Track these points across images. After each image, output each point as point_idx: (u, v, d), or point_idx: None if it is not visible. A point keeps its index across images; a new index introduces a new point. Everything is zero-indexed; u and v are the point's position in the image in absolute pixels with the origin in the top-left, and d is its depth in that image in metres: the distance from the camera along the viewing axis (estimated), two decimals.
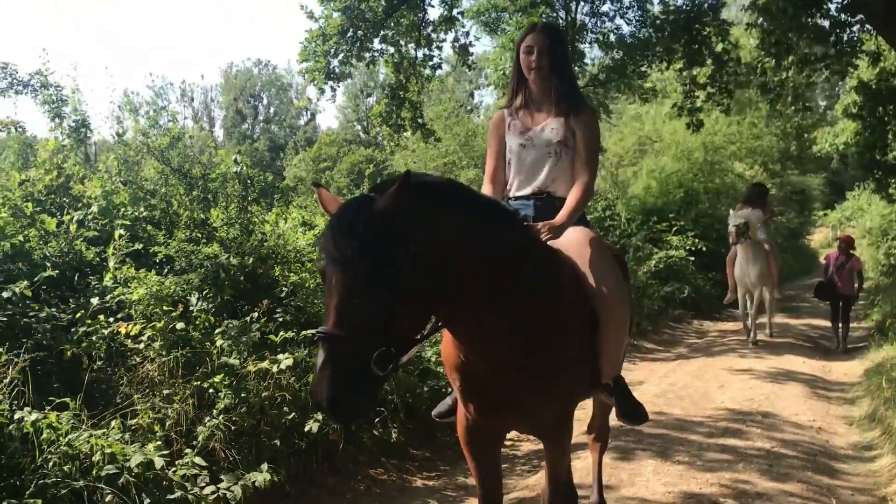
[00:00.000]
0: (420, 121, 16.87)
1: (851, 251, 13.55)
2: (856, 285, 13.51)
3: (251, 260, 6.73)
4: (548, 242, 3.49)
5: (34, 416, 4.03)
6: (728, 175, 23.31)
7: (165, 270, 6.63)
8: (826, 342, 13.83)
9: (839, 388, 10.10)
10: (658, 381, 10.03)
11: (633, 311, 4.13)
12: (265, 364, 5.63)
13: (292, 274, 7.44)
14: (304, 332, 6.13)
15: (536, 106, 3.93)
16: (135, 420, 4.92)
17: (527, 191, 3.96)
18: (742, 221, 11.87)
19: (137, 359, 5.53)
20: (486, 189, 4.01)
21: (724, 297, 13.41)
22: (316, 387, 2.54)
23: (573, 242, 3.67)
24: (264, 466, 5.00)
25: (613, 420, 4.72)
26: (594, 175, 3.90)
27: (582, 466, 5.82)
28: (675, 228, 17.82)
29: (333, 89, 15.90)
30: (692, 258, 17.21)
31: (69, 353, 5.26)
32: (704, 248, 17.61)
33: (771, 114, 23.02)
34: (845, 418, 8.59)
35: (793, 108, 16.72)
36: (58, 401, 4.44)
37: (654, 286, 15.39)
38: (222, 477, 4.88)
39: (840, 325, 13.24)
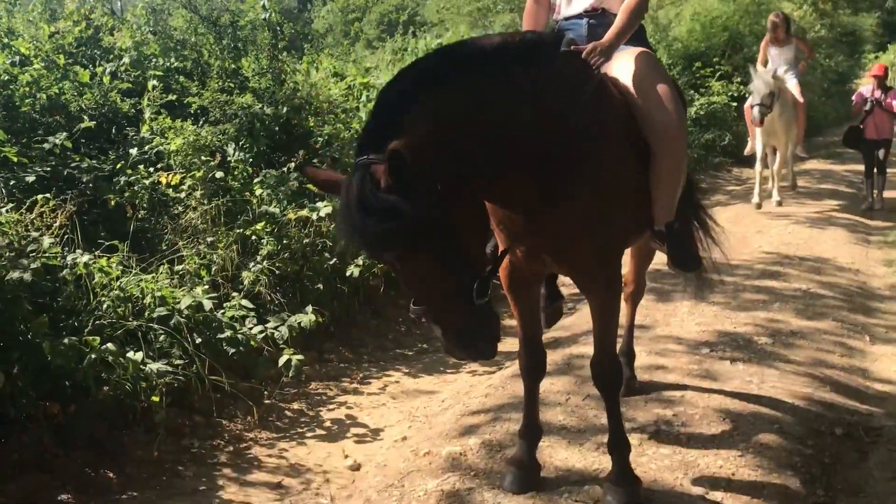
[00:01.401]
0: None
1: (889, 86, 11.14)
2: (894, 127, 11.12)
3: (285, 110, 6.68)
4: (599, 67, 3.20)
5: (86, 257, 4.16)
6: None
7: (201, 122, 6.64)
8: None
9: (879, 232, 10.00)
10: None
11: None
12: (305, 212, 5.70)
13: (326, 125, 7.40)
14: None
15: None
16: (181, 266, 5.07)
17: (577, 8, 3.68)
18: (767, 92, 9.99)
19: (180, 208, 5.63)
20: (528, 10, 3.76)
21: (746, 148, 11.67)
22: (450, 351, 2.68)
23: (627, 66, 3.42)
24: (309, 309, 5.17)
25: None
26: None
27: None
28: (718, 74, 17.21)
29: None
30: (734, 104, 16.72)
31: (113, 203, 5.38)
32: (748, 95, 17.05)
33: None
34: (884, 261, 8.56)
35: None
36: (107, 244, 4.55)
37: (694, 133, 15.07)
38: (269, 319, 5.07)
39: (876, 177, 11.18)
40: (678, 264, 3.63)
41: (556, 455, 3.84)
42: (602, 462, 3.84)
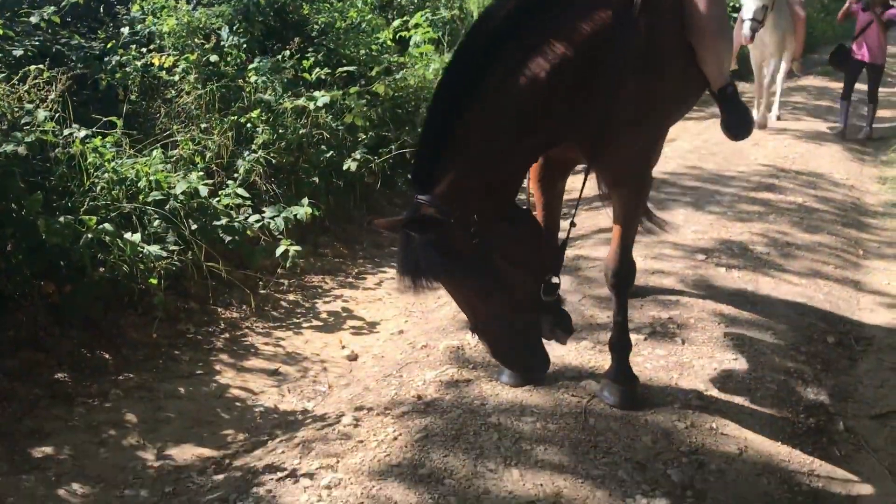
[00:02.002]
0: None
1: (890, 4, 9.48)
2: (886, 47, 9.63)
3: None
4: None
5: (83, 132, 4.03)
6: None
7: (193, 3, 6.37)
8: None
9: (874, 150, 9.96)
10: (691, 139, 9.90)
11: None
12: (301, 101, 5.55)
13: (321, 16, 7.14)
14: (339, 71, 5.99)
15: None
16: (175, 151, 4.94)
17: None
18: (761, 5, 8.92)
19: (173, 91, 5.46)
20: None
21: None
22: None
23: None
24: (305, 201, 5.08)
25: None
26: None
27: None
28: None
29: None
30: (734, 14, 16.31)
31: (104, 83, 5.19)
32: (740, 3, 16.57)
33: None
34: (879, 178, 8.54)
35: None
36: (104, 119, 4.41)
37: None
38: (264, 209, 4.99)
39: (868, 103, 9.87)
40: (731, 128, 3.60)
41: (552, 352, 3.84)
42: (598, 360, 3.87)
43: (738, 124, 3.60)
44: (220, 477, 3.10)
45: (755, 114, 9.88)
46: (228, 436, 3.47)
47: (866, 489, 3.12)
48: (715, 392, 3.63)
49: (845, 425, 3.57)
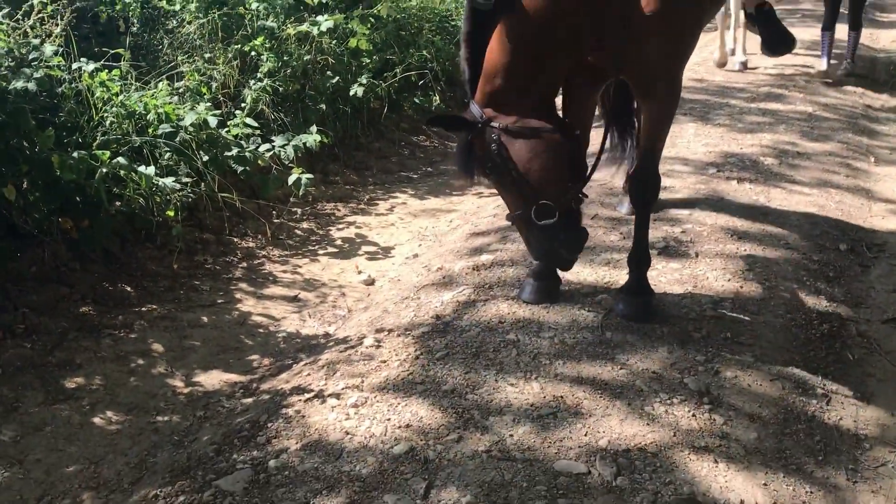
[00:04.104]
0: None
1: None
2: None
3: None
4: None
5: (91, 66, 4.01)
6: None
7: None
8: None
9: (885, 54, 9.80)
10: (697, 51, 9.70)
11: None
12: (304, 27, 5.47)
13: None
14: None
15: None
16: (181, 83, 4.91)
17: None
18: None
19: (174, 21, 5.39)
20: None
21: None
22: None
23: None
24: (313, 129, 5.06)
25: None
26: None
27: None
28: None
29: None
30: None
31: (104, 16, 5.13)
32: None
33: None
34: (889, 84, 8.44)
35: None
36: (111, 53, 4.37)
37: None
38: (273, 138, 4.98)
39: (849, 31, 8.36)
40: (771, 46, 3.57)
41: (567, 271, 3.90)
42: (612, 276, 3.92)
43: (779, 41, 3.55)
44: (249, 400, 3.19)
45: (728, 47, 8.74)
46: (254, 361, 3.55)
47: (879, 389, 3.20)
48: (728, 302, 3.68)
49: (858, 330, 3.62)
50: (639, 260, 3.56)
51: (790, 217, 4.71)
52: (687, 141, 6.14)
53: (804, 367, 3.27)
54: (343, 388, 3.05)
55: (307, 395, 3.04)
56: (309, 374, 3.24)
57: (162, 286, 4.07)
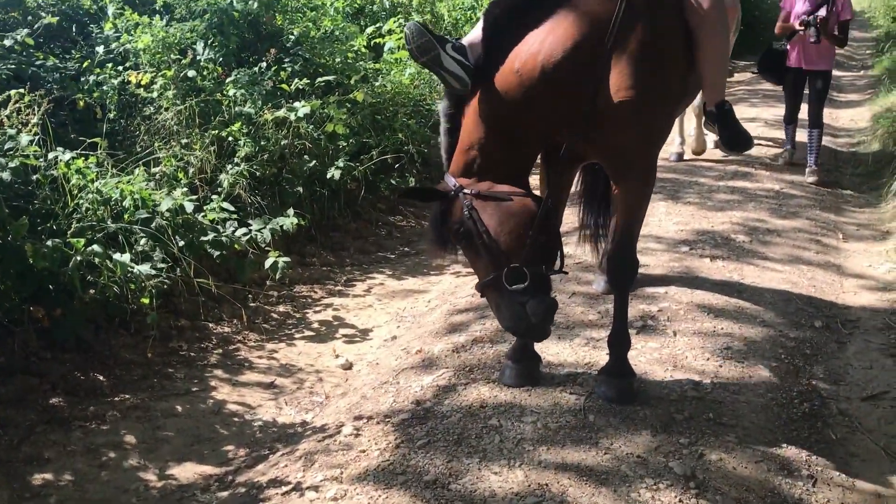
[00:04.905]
0: None
1: None
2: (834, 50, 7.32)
3: (255, 5, 6.40)
4: None
5: (68, 155, 4.00)
6: None
7: (165, 19, 6.34)
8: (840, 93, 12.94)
9: (846, 134, 10.09)
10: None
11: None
12: (282, 113, 5.54)
13: (296, 26, 7.12)
14: (317, 81, 5.99)
15: None
16: (158, 168, 4.92)
17: None
18: None
19: (151, 108, 5.43)
20: None
21: None
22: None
23: None
24: (290, 212, 5.07)
25: None
26: None
27: None
28: None
29: None
30: None
31: (82, 104, 5.16)
32: None
33: None
34: (853, 161, 8.67)
35: None
36: (86, 140, 4.38)
37: None
38: (250, 222, 4.97)
39: (808, 132, 7.45)
40: (730, 144, 3.64)
41: (547, 350, 3.89)
42: (592, 356, 3.91)
43: (737, 141, 3.64)
44: (225, 494, 3.10)
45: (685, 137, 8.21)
46: (229, 451, 3.46)
47: (864, 469, 3.18)
48: (709, 382, 3.68)
49: (838, 408, 3.63)
50: (618, 341, 3.55)
51: (764, 294, 4.75)
52: (658, 219, 6.22)
53: (788, 447, 3.25)
54: (321, 481, 2.98)
55: (285, 488, 2.96)
56: (286, 466, 3.16)
57: (135, 374, 3.98)
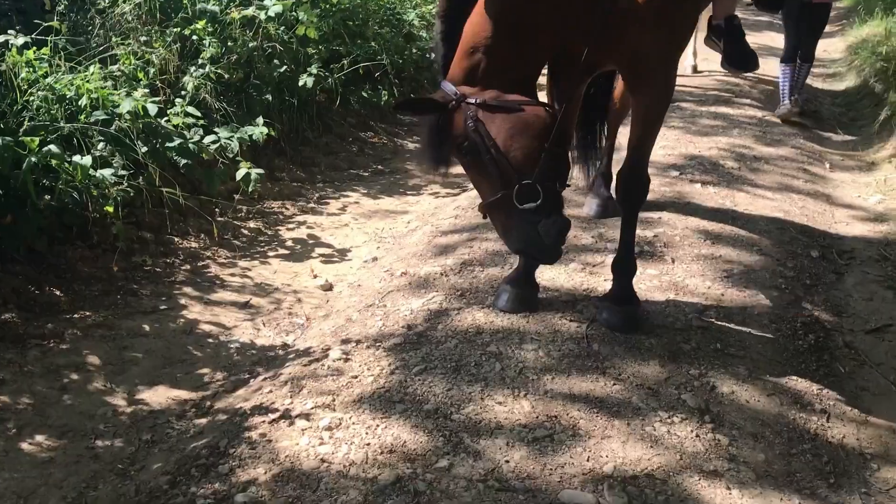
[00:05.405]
0: None
1: None
2: None
3: None
4: None
5: (21, 40, 3.55)
6: None
7: None
8: None
9: (820, 65, 9.93)
10: None
11: None
12: (250, 11, 5.09)
13: None
14: None
15: None
16: (116, 67, 4.47)
17: None
18: None
19: (106, 1, 4.92)
20: None
21: None
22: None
23: None
24: (260, 120, 4.69)
25: None
26: None
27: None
28: None
29: None
30: None
31: None
32: None
33: None
34: (829, 92, 8.54)
35: None
36: (44, 25, 3.90)
37: None
38: (216, 130, 4.57)
39: (800, 62, 6.89)
40: (736, 62, 3.38)
41: (541, 276, 3.65)
42: (590, 282, 3.70)
43: (742, 59, 3.39)
44: (204, 421, 2.84)
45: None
46: (205, 375, 3.18)
47: (875, 404, 3.06)
48: (713, 311, 3.51)
49: (844, 341, 3.50)
50: (624, 266, 3.35)
51: (759, 222, 4.59)
52: None
53: (797, 380, 3.11)
54: (312, 408, 2.73)
55: (272, 416, 2.70)
56: (271, 391, 2.90)
57: (96, 290, 3.65)
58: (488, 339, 3.15)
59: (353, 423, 2.61)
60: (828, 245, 4.48)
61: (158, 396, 3.02)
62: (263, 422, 2.68)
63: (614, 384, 2.90)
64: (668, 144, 5.99)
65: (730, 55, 3.37)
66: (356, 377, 2.91)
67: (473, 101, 2.73)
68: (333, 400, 2.76)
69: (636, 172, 3.24)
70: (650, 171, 5.27)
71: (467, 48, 2.79)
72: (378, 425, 2.60)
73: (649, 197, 4.78)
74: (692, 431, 2.69)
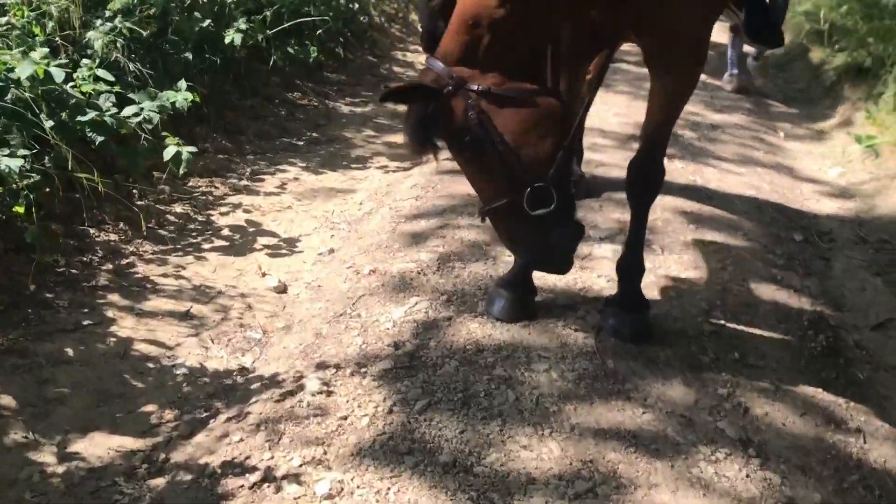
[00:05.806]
0: None
1: None
2: None
3: None
4: None
5: None
6: None
7: None
8: None
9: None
10: None
11: None
12: None
13: None
14: None
15: None
16: (5, 18, 3.69)
17: None
18: None
19: None
20: None
21: None
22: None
23: None
24: (182, 84, 3.99)
25: None
26: None
27: None
28: None
29: None
30: None
31: None
32: None
33: None
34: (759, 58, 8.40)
35: None
36: None
37: None
38: (131, 95, 3.87)
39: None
40: (757, 33, 2.99)
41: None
42: (582, 279, 3.33)
43: (770, 32, 3.01)
44: (161, 482, 2.28)
45: None
46: (151, 414, 2.60)
47: None
48: (718, 311, 3.21)
49: (854, 341, 3.26)
50: (633, 268, 2.97)
51: (734, 201, 4.34)
52: (596, 108, 5.61)
53: (822, 393, 2.85)
54: (301, 465, 2.23)
55: (251, 478, 2.19)
56: (242, 441, 2.38)
57: (0, 303, 2.97)
58: (491, 358, 2.72)
59: (359, 487, 2.14)
60: (806, 226, 4.27)
61: (96, 447, 2.43)
62: (242, 486, 2.17)
63: (643, 412, 2.54)
64: (620, 111, 5.67)
65: (753, 24, 2.97)
66: (346, 419, 2.43)
67: (475, 87, 2.26)
68: (325, 453, 2.27)
69: (652, 162, 2.84)
70: (608, 141, 5.06)
71: (466, 21, 2.27)
72: (388, 488, 2.14)
73: (615, 173, 4.47)
74: (740, 470, 2.36)
